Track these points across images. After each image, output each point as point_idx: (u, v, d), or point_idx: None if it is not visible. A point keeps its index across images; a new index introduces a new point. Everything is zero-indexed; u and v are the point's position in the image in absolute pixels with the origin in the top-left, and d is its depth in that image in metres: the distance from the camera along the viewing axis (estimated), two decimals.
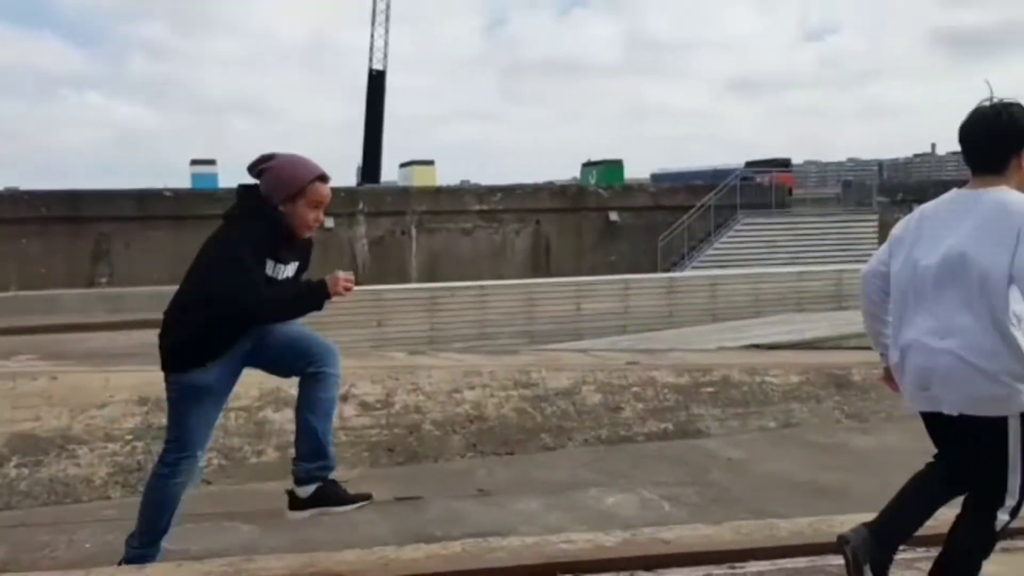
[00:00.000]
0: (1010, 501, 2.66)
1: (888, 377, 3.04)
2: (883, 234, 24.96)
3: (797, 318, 11.77)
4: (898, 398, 8.72)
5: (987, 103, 2.78)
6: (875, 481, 6.07)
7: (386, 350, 10.01)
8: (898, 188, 25.94)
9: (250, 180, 3.44)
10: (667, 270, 21.65)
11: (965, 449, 2.72)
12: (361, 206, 23.93)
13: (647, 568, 3.19)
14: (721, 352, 9.82)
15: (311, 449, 3.31)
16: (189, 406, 3.35)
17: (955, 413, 2.66)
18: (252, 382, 5.16)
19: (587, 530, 3.95)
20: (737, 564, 3.27)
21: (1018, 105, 2.75)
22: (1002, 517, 2.68)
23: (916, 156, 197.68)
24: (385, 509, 4.90)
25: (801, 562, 3.30)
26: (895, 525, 2.81)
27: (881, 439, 7.17)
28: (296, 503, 3.33)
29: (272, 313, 3.28)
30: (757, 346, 10.14)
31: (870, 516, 2.84)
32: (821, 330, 10.63)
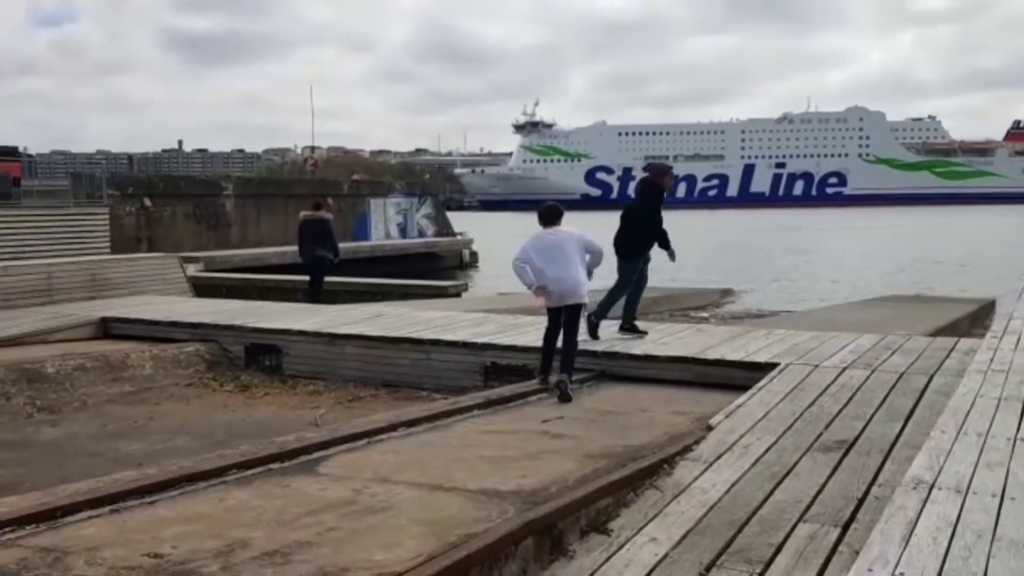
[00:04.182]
0: None
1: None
2: (115, 227, 24.66)
3: (1, 315, 11.04)
4: (93, 386, 8.70)
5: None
6: (52, 468, 6.16)
7: None
8: (128, 182, 26.13)
9: None
10: None
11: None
12: None
13: None
14: None
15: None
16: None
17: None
18: None
19: None
20: None
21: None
22: None
23: (165, 151, 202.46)
24: None
25: None
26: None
27: (69, 428, 7.24)
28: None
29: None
30: None
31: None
32: (24, 326, 10.17)
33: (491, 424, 5.68)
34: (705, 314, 17.12)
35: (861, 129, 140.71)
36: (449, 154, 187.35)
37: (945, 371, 6.09)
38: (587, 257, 6.87)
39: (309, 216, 13.84)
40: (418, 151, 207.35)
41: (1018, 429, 2.72)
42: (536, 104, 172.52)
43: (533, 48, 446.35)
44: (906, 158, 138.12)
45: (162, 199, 26.41)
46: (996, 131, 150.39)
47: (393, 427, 5.41)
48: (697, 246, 43.38)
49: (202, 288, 15.70)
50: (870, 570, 1.77)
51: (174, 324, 10.00)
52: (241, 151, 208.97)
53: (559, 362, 6.91)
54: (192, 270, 17.74)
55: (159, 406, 7.99)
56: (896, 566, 1.77)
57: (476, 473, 4.41)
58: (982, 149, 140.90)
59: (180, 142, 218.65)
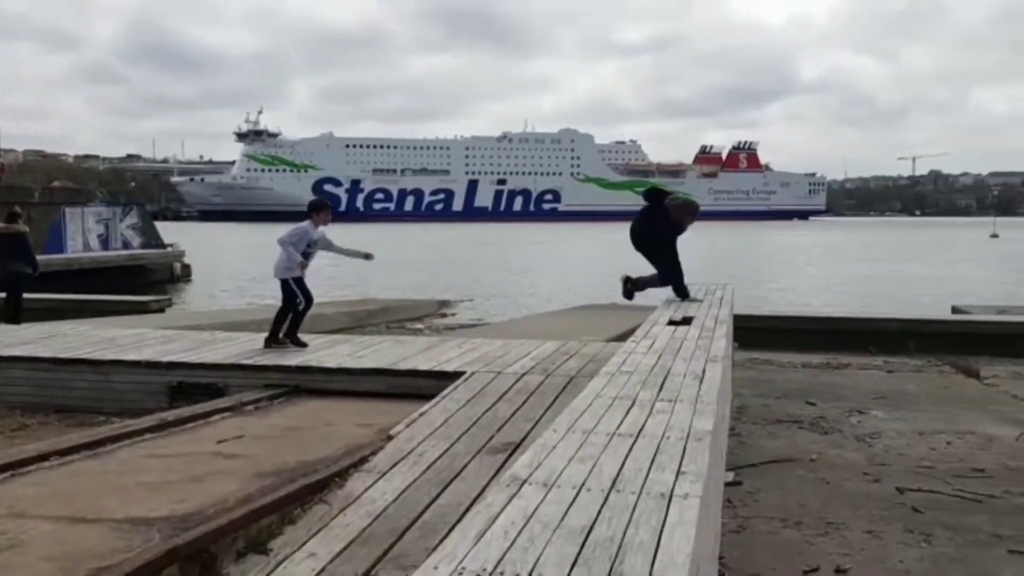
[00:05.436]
0: None
1: None
2: None
3: None
4: None
5: None
6: None
7: None
8: None
9: None
10: None
11: None
12: None
13: None
14: None
15: None
16: None
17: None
18: None
19: None
20: None
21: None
22: None
23: None
24: None
25: None
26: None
27: None
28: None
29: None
30: None
31: None
32: None
33: (161, 447, 5.37)
34: (420, 325, 17.42)
35: (573, 150, 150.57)
36: (165, 161, 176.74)
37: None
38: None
39: (3, 229, 12.60)
40: (130, 157, 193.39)
41: (619, 425, 3.00)
42: (260, 112, 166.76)
43: (254, 55, 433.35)
44: (612, 178, 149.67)
45: None
46: (687, 155, 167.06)
47: (44, 456, 4.94)
48: (421, 258, 44.10)
49: None
50: (436, 568, 1.85)
51: None
52: None
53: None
54: None
55: None
56: (461, 561, 1.87)
57: (129, 501, 4.14)
58: (675, 171, 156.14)
59: None
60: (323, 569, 3.69)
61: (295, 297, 8.47)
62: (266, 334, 8.55)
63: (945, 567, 4.31)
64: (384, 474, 4.84)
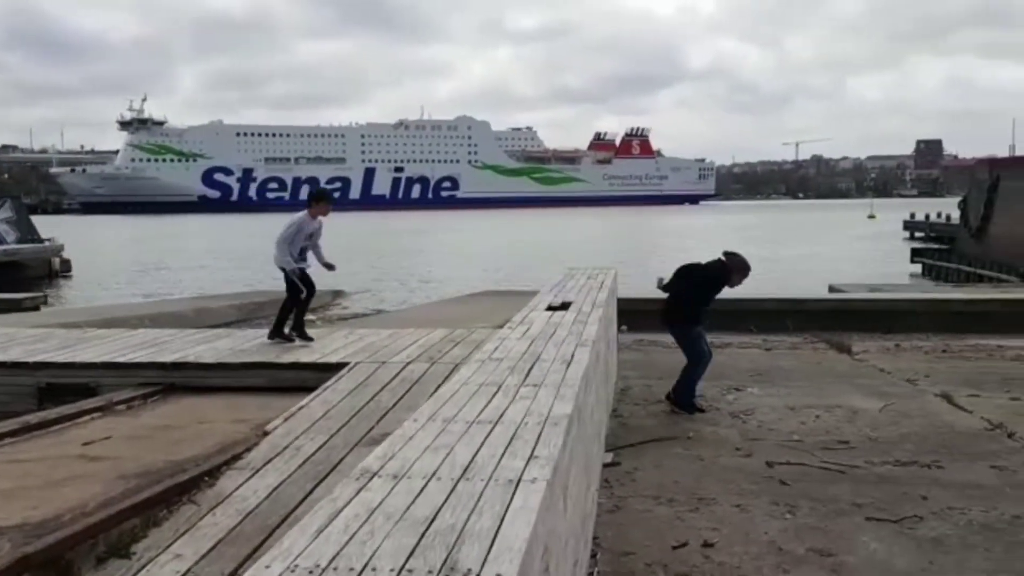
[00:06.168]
0: None
1: None
2: None
3: None
4: None
5: None
6: None
7: None
8: None
9: None
10: None
11: None
12: None
13: None
14: None
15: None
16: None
17: None
18: None
19: None
20: None
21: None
22: None
23: None
24: None
25: None
26: None
27: None
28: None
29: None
30: None
31: None
32: None
33: (21, 452, 5.13)
34: (313, 317, 17.12)
35: (469, 137, 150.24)
36: (44, 151, 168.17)
37: None
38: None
39: None
40: (5, 148, 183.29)
41: (480, 412, 3.00)
42: (144, 100, 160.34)
43: (136, 40, 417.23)
44: (509, 164, 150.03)
45: None
46: (582, 141, 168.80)
47: None
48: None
49: None
50: (268, 567, 1.82)
51: None
52: None
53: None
54: None
55: None
56: (296, 558, 1.85)
57: None
58: (571, 157, 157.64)
59: None
60: (188, 570, 3.60)
61: (298, 287, 8.19)
62: (266, 328, 8.43)
63: (806, 536, 4.50)
64: (258, 471, 4.75)
